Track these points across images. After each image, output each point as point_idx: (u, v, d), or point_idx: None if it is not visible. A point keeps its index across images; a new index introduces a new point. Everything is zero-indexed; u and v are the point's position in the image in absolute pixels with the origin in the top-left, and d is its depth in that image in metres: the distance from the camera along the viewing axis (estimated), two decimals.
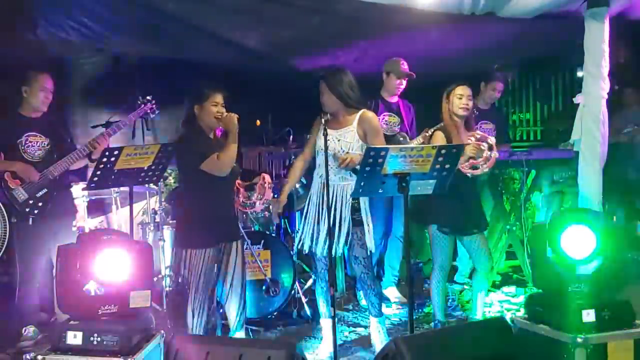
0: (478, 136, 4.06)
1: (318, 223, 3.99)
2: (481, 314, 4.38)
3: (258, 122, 3.74)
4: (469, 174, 3.99)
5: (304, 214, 4.10)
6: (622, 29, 4.80)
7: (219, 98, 3.81)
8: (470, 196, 4.24)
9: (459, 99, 4.13)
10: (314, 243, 4.01)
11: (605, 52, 4.42)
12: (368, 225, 3.98)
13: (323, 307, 4.19)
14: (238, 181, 3.93)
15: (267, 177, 3.97)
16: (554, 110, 8.15)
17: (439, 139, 4.13)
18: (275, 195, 4.36)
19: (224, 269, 3.87)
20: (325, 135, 3.71)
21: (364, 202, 3.98)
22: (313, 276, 5.41)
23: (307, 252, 4.11)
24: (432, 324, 4.61)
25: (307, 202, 4.11)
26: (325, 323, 4.18)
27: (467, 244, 4.27)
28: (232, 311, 3.91)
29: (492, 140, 4.01)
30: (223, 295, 3.92)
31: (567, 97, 7.76)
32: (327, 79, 3.94)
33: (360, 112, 3.97)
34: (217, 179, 3.72)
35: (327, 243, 3.86)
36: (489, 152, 3.97)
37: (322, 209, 3.94)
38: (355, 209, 3.95)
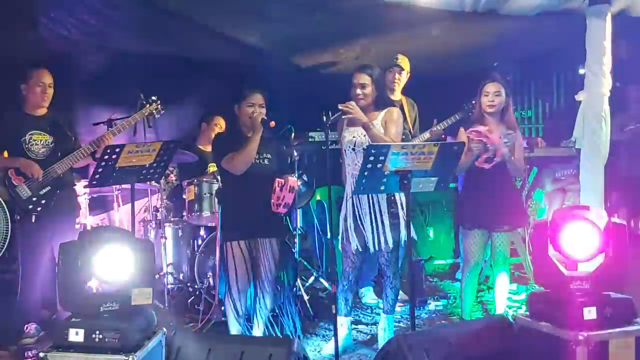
0: (474, 133, 4.07)
1: (356, 220, 3.97)
2: (502, 309, 4.37)
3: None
4: (486, 167, 4.00)
5: (344, 214, 4.04)
6: (624, 26, 4.80)
7: (255, 99, 3.85)
8: (501, 191, 4.17)
9: (485, 97, 4.16)
10: (359, 240, 3.99)
11: (607, 49, 4.42)
12: (405, 218, 3.94)
13: (342, 305, 4.17)
14: (278, 180, 3.88)
15: (292, 182, 3.90)
16: (556, 108, 8.14)
17: (462, 135, 4.16)
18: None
19: (255, 264, 3.88)
20: (327, 133, 3.71)
21: (399, 196, 3.95)
22: (315, 274, 5.42)
23: (351, 252, 4.05)
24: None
25: (344, 203, 4.06)
26: (342, 320, 4.16)
27: (494, 238, 4.25)
28: (259, 307, 3.94)
29: (485, 130, 4.02)
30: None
31: (568, 95, 7.74)
32: (372, 72, 3.93)
33: (387, 109, 3.97)
34: (246, 176, 3.76)
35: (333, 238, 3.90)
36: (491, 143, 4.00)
37: (361, 206, 3.94)
38: (392, 202, 3.94)
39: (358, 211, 3.96)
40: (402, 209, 3.95)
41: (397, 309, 5.08)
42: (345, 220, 4.02)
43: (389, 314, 4.13)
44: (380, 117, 3.93)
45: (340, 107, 3.75)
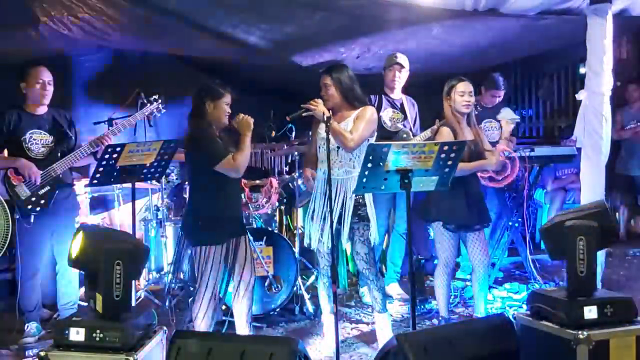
0: (501, 149, 4.06)
1: (324, 219, 3.96)
2: (483, 310, 4.36)
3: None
4: (484, 183, 3.99)
5: (310, 210, 4.07)
6: (625, 25, 4.79)
7: (229, 98, 3.83)
8: (474, 191, 4.20)
9: (461, 97, 4.09)
10: (319, 239, 3.99)
11: (607, 48, 4.41)
12: (372, 220, 3.96)
13: (325, 303, 4.18)
14: (243, 180, 3.89)
15: (275, 182, 3.93)
16: (557, 107, 8.14)
17: (446, 134, 4.10)
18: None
19: (233, 264, 3.87)
20: (328, 132, 3.71)
21: (368, 196, 3.95)
22: (315, 273, 5.42)
23: (312, 248, 4.09)
24: (435, 321, 4.62)
25: (311, 198, 4.08)
26: (327, 319, 4.18)
27: (468, 239, 4.26)
28: (241, 306, 3.91)
29: (514, 153, 4.01)
30: (229, 291, 3.92)
31: (569, 94, 7.75)
32: (332, 73, 3.93)
33: (362, 107, 3.95)
34: (226, 178, 3.73)
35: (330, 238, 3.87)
36: (510, 165, 3.98)
37: (327, 204, 3.91)
38: (360, 204, 3.92)
39: (325, 210, 3.94)
40: (372, 209, 3.96)
41: (398, 307, 5.10)
42: (312, 218, 4.02)
43: (382, 312, 4.13)
44: (354, 114, 3.92)
45: (302, 106, 3.77)
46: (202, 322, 3.77)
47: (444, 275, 4.27)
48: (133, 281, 3.17)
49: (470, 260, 4.32)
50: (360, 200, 3.92)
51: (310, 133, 4.28)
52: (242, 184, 3.86)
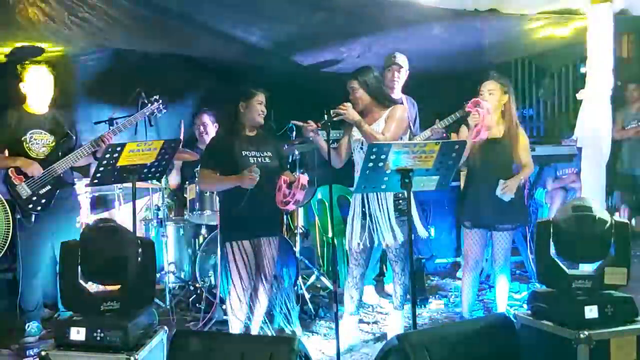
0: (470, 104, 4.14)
1: (364, 218, 4.01)
2: (504, 306, 4.37)
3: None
4: (480, 139, 4.09)
5: (352, 213, 4.09)
6: (625, 25, 4.79)
7: (262, 97, 3.89)
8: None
9: (480, 96, 4.17)
10: (361, 237, 4.03)
11: (608, 47, 4.42)
12: (414, 213, 4.00)
13: (347, 303, 4.19)
14: (284, 177, 3.87)
15: (303, 179, 3.91)
16: (557, 106, 8.13)
17: (464, 133, 4.18)
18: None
19: (255, 263, 3.88)
20: (329, 131, 3.72)
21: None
22: (316, 272, 5.42)
23: (355, 249, 4.09)
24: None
25: (352, 202, 4.11)
26: (347, 320, 4.19)
27: (493, 237, 4.27)
28: (258, 305, 3.94)
29: (484, 103, 4.09)
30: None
31: (570, 93, 7.75)
32: (358, 76, 3.97)
33: (392, 106, 3.99)
34: None
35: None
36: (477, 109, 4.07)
37: (367, 204, 3.97)
38: (400, 198, 3.95)
39: (364, 208, 3.98)
40: (412, 203, 3.98)
41: None
42: (353, 218, 4.05)
43: (398, 310, 4.14)
44: (385, 114, 3.96)
45: (332, 111, 3.79)
46: (237, 314, 3.82)
47: (468, 275, 4.30)
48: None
49: (492, 256, 4.37)
50: (400, 194, 3.94)
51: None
52: (282, 181, 3.82)
